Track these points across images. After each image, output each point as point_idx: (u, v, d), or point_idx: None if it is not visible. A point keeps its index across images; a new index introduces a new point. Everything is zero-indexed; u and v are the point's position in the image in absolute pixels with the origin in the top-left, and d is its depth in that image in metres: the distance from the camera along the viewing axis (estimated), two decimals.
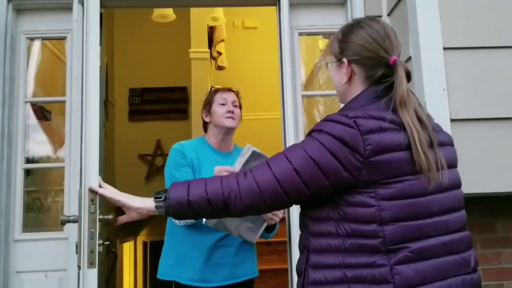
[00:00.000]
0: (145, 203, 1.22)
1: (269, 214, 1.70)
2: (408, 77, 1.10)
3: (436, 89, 1.85)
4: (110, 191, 1.33)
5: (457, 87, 1.85)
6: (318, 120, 3.36)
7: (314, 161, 1.02)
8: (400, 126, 1.04)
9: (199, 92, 4.18)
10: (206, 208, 1.11)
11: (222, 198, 1.09)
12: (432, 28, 1.90)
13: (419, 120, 1.06)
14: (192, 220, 1.77)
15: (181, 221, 1.79)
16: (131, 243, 5.37)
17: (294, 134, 2.18)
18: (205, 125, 2.03)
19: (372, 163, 1.00)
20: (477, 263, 1.12)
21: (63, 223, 1.45)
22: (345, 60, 1.16)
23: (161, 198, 1.16)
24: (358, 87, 1.17)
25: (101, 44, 2.58)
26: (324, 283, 1.04)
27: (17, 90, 2.18)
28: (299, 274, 1.13)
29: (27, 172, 2.23)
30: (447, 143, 1.17)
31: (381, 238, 1.00)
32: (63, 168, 2.14)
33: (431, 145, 1.06)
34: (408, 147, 1.03)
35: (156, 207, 1.18)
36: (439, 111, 1.82)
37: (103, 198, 1.36)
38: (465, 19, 1.93)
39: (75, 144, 2.12)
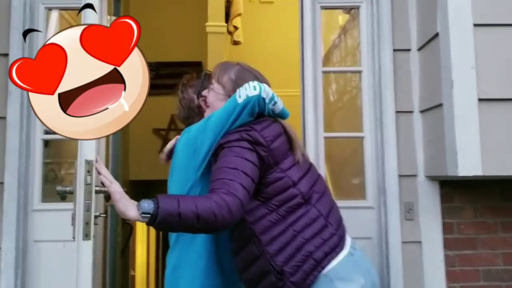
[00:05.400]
0: (129, 213, 1.19)
1: None
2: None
3: (464, 67, 1.78)
4: (106, 172, 1.30)
5: (486, 66, 1.79)
6: (332, 98, 3.27)
7: (250, 161, 1.31)
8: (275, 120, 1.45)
9: None
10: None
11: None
12: (462, 2, 1.82)
13: None
14: None
15: None
16: None
17: (313, 111, 2.14)
18: (200, 108, 1.74)
19: (272, 149, 1.36)
20: None
21: (60, 194, 1.43)
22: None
23: (149, 213, 1.16)
24: None
25: (118, 14, 2.58)
26: (284, 247, 1.33)
27: None
28: (256, 259, 1.34)
29: (45, 144, 2.23)
30: None
31: (299, 195, 1.37)
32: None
33: None
34: (284, 132, 1.43)
35: (142, 219, 1.18)
36: (466, 90, 1.77)
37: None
38: None
39: None
